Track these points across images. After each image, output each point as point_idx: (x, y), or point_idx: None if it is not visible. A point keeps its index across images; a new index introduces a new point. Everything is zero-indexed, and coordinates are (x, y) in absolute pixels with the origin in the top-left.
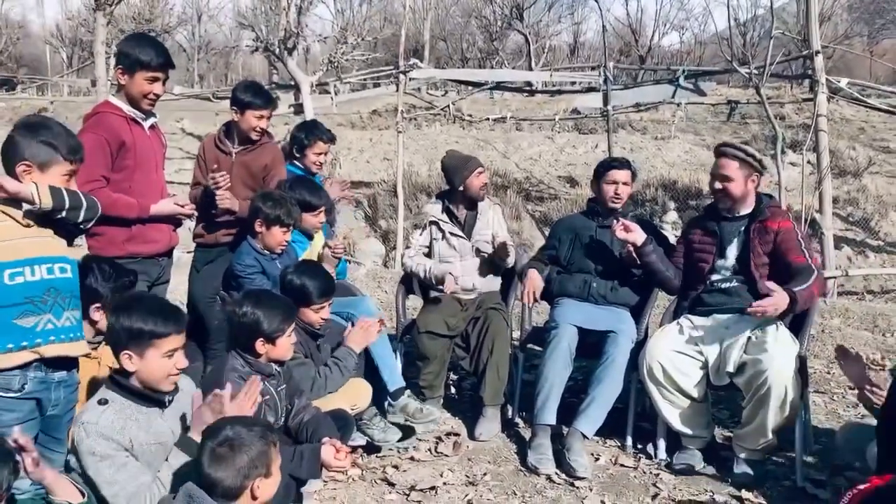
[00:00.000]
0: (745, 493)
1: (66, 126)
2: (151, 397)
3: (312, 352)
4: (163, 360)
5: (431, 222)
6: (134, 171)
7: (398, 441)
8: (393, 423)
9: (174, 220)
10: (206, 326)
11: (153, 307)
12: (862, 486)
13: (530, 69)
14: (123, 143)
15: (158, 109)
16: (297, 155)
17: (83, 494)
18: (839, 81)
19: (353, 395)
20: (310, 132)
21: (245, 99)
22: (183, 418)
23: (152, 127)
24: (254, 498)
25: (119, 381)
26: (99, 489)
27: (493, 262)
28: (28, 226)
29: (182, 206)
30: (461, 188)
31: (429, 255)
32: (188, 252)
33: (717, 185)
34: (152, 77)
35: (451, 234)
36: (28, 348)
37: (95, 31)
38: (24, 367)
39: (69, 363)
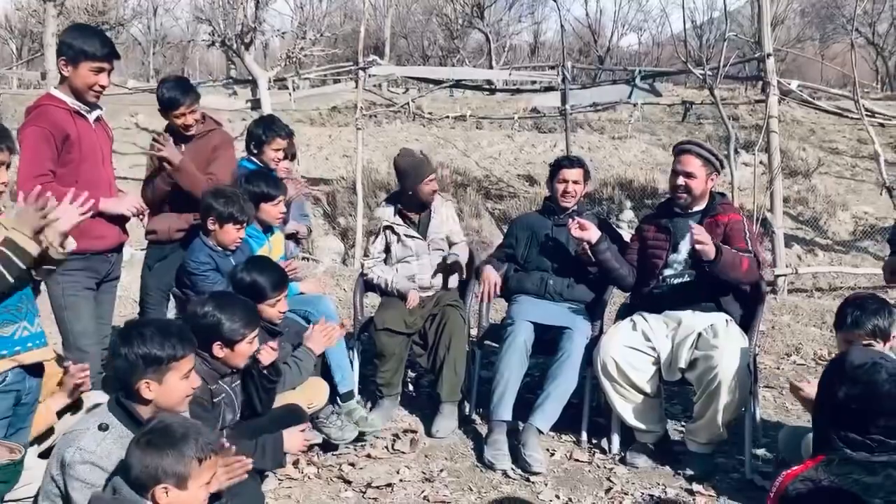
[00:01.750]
0: (695, 486)
1: None
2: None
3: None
4: (181, 382)
5: (385, 227)
6: (80, 165)
7: (355, 440)
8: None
9: (122, 218)
10: None
11: (166, 330)
12: (795, 468)
13: (491, 68)
14: (68, 136)
15: (112, 103)
16: (255, 151)
17: (18, 451)
18: (790, 84)
19: (311, 393)
20: (267, 128)
21: (161, 98)
22: None
23: (98, 119)
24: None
25: (126, 406)
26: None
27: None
28: None
29: (134, 212)
30: (410, 192)
31: (386, 259)
32: (141, 249)
33: (680, 181)
34: (98, 68)
35: (407, 235)
36: (7, 356)
37: (46, 22)
38: None
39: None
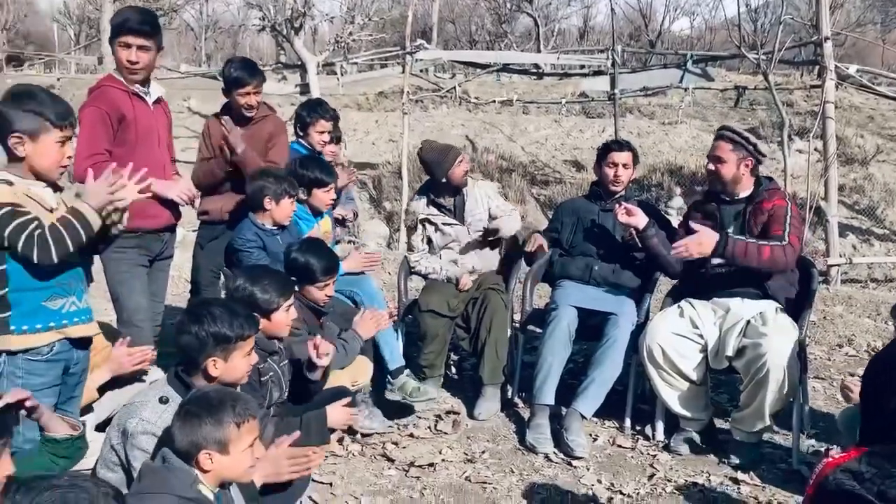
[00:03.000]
0: (740, 475)
1: (51, 93)
2: None
3: (315, 329)
4: (243, 360)
5: (422, 220)
6: (135, 146)
7: (400, 417)
8: (391, 401)
9: (173, 202)
10: None
11: (234, 311)
12: (838, 456)
13: (539, 52)
14: (124, 116)
15: (165, 87)
16: (301, 133)
17: (77, 427)
18: (848, 68)
19: (355, 370)
20: (312, 110)
21: (228, 77)
22: None
23: (158, 101)
24: (203, 471)
25: (185, 381)
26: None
27: (495, 241)
28: (52, 210)
29: (184, 200)
30: (444, 180)
31: (430, 250)
32: (193, 230)
33: (710, 167)
34: (124, 43)
35: (444, 224)
36: (55, 329)
37: (103, 8)
38: None
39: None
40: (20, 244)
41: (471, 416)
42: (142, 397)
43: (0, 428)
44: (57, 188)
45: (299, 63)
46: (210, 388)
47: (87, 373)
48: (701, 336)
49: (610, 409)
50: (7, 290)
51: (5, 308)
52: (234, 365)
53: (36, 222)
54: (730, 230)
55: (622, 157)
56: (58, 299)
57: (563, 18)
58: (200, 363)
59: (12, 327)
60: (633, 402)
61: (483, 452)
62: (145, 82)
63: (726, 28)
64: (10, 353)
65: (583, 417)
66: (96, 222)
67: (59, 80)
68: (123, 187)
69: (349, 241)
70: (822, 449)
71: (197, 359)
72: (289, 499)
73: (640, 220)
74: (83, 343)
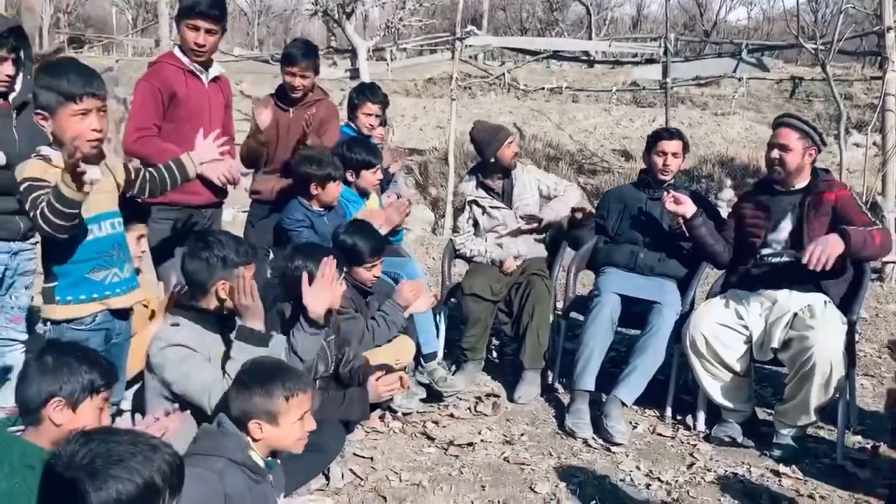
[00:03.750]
0: (782, 468)
1: (75, 65)
2: (215, 322)
3: (362, 308)
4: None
5: (470, 201)
6: (185, 123)
7: (437, 400)
8: (420, 384)
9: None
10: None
11: (238, 238)
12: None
13: (590, 40)
14: (175, 93)
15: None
16: (351, 116)
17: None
18: None
19: (398, 349)
20: (360, 93)
21: (283, 53)
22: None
23: (215, 80)
24: (254, 439)
25: (186, 304)
26: (178, 388)
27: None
28: (92, 184)
29: (222, 182)
30: (493, 160)
31: (476, 232)
32: (242, 210)
33: (774, 154)
34: (192, 25)
35: (492, 206)
36: (98, 300)
37: None
38: None
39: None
40: (33, 219)
41: (510, 399)
42: (159, 330)
43: (106, 378)
44: (99, 159)
45: (349, 48)
46: (265, 359)
47: (129, 343)
48: (746, 327)
49: (651, 398)
50: (53, 261)
51: (52, 278)
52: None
53: (45, 194)
54: (784, 221)
55: (672, 145)
56: (100, 271)
57: (616, 7)
58: (209, 288)
59: (57, 297)
60: (674, 391)
61: (522, 435)
62: (207, 63)
63: (784, 19)
64: (55, 322)
65: (623, 405)
66: (74, 196)
67: (117, 62)
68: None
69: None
70: (869, 446)
71: (205, 283)
72: (320, 461)
73: (689, 208)
74: (124, 314)
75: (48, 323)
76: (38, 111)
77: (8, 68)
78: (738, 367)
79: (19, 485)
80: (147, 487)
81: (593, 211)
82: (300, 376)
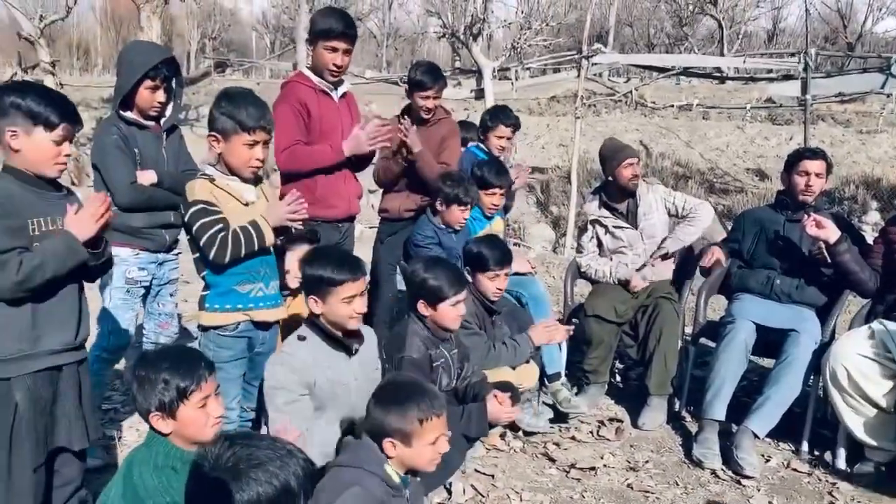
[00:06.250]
0: None
1: (254, 98)
2: (341, 342)
3: (486, 325)
4: (341, 305)
5: (592, 220)
6: (320, 140)
7: (559, 421)
8: (545, 404)
9: (354, 190)
10: (379, 297)
11: (333, 257)
12: None
13: (722, 56)
14: (309, 112)
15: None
16: (482, 137)
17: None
18: None
19: (521, 374)
20: (494, 116)
21: (412, 80)
22: (366, 366)
23: (344, 96)
24: (388, 456)
25: (316, 322)
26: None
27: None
28: (247, 205)
29: (373, 137)
30: (610, 178)
31: (600, 253)
32: (371, 227)
33: None
34: (331, 47)
35: (615, 227)
36: (242, 310)
37: (298, 18)
38: None
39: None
40: (203, 240)
41: (634, 425)
42: (288, 339)
43: (191, 377)
44: (258, 181)
45: (474, 69)
46: (405, 378)
47: (272, 353)
48: (893, 360)
49: (785, 432)
50: (206, 272)
51: (206, 288)
52: (332, 308)
53: (221, 224)
54: None
55: (815, 165)
56: (246, 284)
57: (751, 20)
58: (307, 301)
59: (207, 305)
60: (811, 425)
61: (646, 462)
62: (337, 82)
63: None
64: (204, 329)
65: (755, 437)
66: (270, 237)
67: (258, 84)
68: (297, 210)
69: (514, 244)
70: None
71: (305, 297)
72: (442, 474)
73: (832, 233)
74: (266, 325)
75: (200, 328)
76: (213, 133)
77: (160, 96)
78: (883, 403)
79: (163, 484)
80: (284, 491)
81: (723, 262)
82: (437, 398)
